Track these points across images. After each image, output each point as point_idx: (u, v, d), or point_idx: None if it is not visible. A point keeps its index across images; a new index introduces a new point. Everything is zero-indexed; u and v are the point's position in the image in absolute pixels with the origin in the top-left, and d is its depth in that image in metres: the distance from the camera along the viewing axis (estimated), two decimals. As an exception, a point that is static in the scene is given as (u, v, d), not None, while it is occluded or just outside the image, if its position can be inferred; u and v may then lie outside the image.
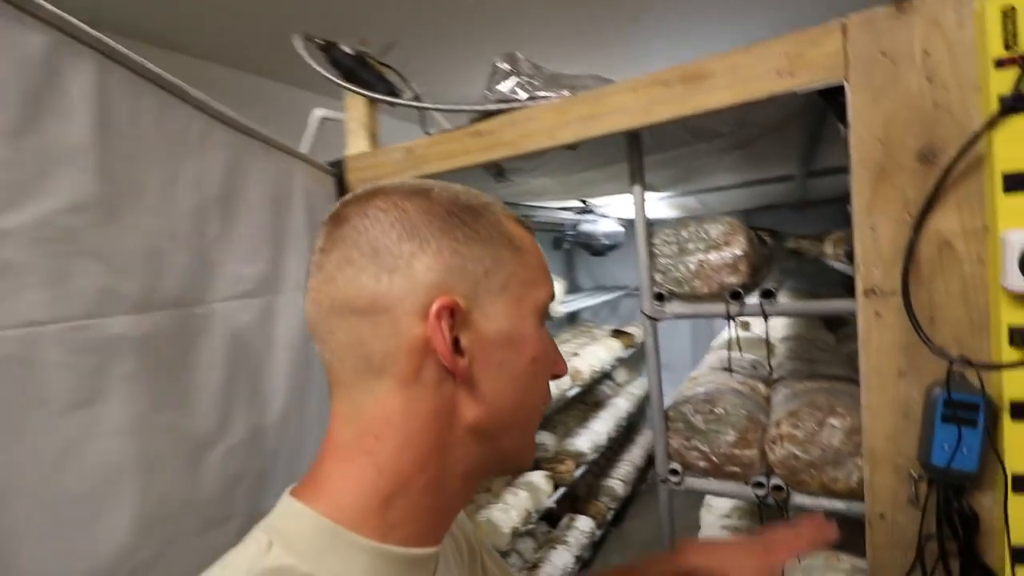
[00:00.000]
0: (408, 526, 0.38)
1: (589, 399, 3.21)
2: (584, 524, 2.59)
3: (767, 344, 1.51)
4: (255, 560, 0.34)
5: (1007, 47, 0.62)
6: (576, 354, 2.75)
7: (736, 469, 1.02)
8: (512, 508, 2.04)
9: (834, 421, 0.94)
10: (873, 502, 0.77)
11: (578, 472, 2.56)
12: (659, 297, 1.06)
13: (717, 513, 1.35)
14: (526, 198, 1.92)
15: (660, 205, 2.40)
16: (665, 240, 1.06)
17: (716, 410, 1.05)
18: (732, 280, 1.00)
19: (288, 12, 1.49)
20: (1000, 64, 0.63)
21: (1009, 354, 0.65)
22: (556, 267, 3.56)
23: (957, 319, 0.70)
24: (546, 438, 2.62)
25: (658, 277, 1.07)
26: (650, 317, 1.07)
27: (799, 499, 0.97)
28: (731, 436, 1.02)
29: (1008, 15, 0.62)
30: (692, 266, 1.02)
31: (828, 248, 1.91)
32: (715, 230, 1.01)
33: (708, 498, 1.48)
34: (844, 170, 1.84)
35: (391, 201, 0.39)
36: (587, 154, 1.18)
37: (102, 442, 0.57)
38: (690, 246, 1.04)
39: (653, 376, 1.12)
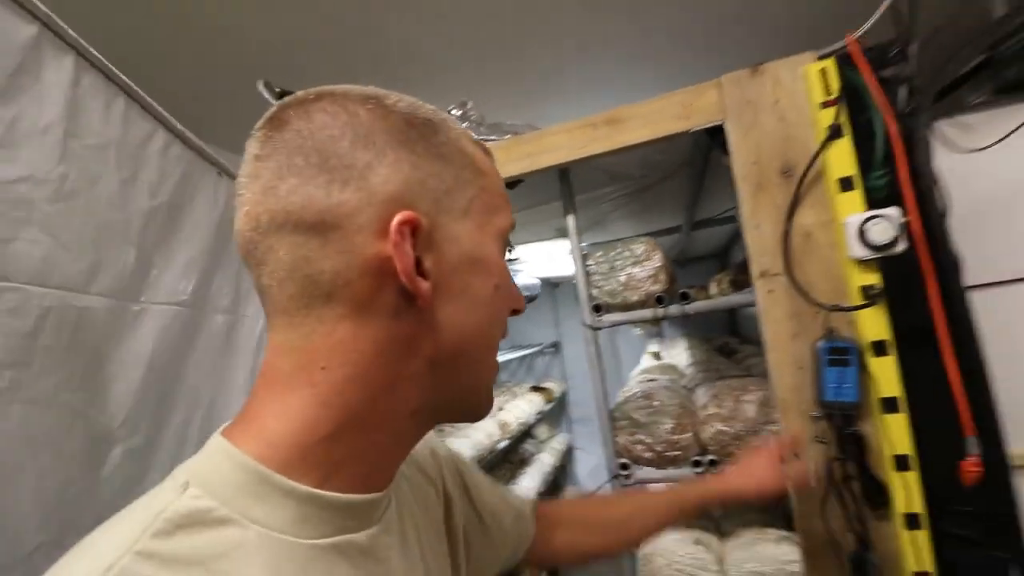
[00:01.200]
0: (351, 468, 0.34)
1: (514, 458, 3.23)
2: (522, 584, 2.53)
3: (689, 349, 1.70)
4: (168, 503, 0.30)
5: (827, 94, 0.91)
6: (501, 408, 2.81)
7: (676, 453, 1.15)
8: (453, 566, 1.97)
9: (747, 397, 1.12)
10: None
11: (513, 528, 2.53)
12: (596, 308, 1.22)
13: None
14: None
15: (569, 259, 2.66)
16: (598, 260, 1.25)
17: (654, 403, 1.20)
18: (655, 288, 1.19)
19: (230, 77, 1.58)
20: (824, 105, 0.91)
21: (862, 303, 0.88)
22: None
23: (824, 289, 0.92)
24: (478, 497, 2.58)
25: (594, 292, 1.24)
26: (591, 327, 1.22)
27: (730, 470, 1.12)
28: (669, 424, 1.17)
29: (823, 73, 0.91)
30: (622, 279, 1.21)
31: (713, 289, 2.25)
32: (638, 248, 1.22)
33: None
34: (722, 220, 2.20)
35: (340, 104, 0.34)
36: (524, 193, 1.36)
37: (20, 408, 0.58)
38: (618, 263, 1.23)
39: (598, 384, 1.25)
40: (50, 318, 0.62)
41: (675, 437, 1.16)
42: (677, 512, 0.74)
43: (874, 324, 0.87)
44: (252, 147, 0.35)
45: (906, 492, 0.85)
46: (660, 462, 1.17)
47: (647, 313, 1.19)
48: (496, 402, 3.00)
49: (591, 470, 3.51)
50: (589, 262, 1.26)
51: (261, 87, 1.15)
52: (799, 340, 0.94)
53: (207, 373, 0.98)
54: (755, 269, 0.98)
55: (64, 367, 0.64)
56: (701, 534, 1.32)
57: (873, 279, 0.88)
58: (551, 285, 3.72)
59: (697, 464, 1.13)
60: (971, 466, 0.81)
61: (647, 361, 2.34)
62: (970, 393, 0.83)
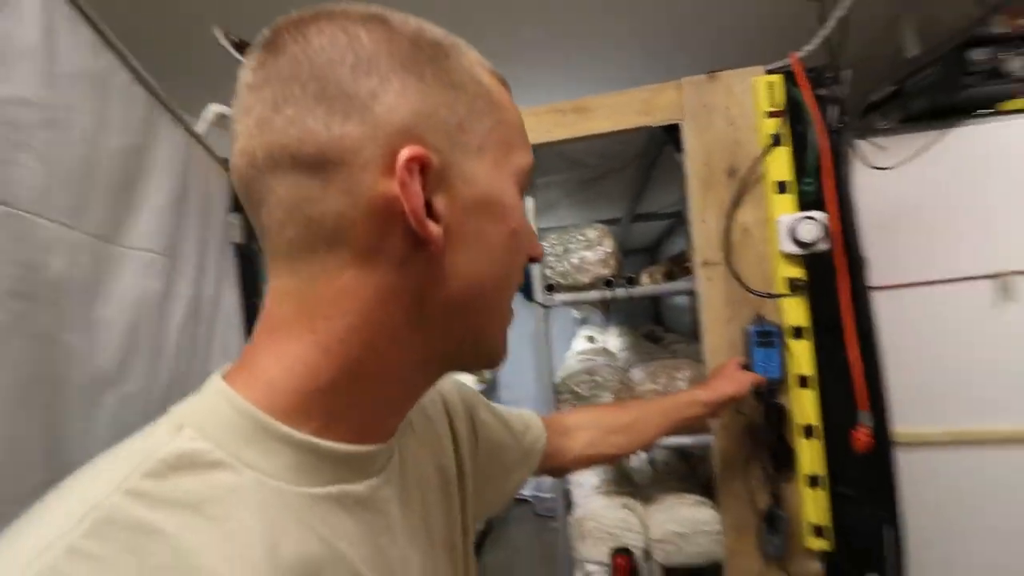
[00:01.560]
0: (352, 418, 0.33)
1: (444, 435, 3.27)
2: (446, 557, 2.58)
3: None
4: (162, 443, 0.28)
5: (772, 105, 1.01)
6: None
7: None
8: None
9: (679, 375, 1.23)
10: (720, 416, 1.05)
11: (441, 502, 2.57)
12: (550, 288, 1.28)
13: (588, 487, 1.56)
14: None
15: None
16: (553, 243, 1.30)
17: (596, 379, 1.28)
18: (605, 272, 1.27)
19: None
20: (769, 115, 1.02)
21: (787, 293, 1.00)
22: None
23: (756, 279, 1.04)
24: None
25: (547, 272, 1.29)
26: (542, 305, 1.28)
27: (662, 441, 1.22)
28: (608, 398, 1.26)
29: (770, 86, 1.01)
30: (575, 261, 1.27)
31: (645, 279, 2.40)
32: (591, 233, 1.29)
33: (575, 478, 1.69)
34: (660, 216, 2.33)
35: (340, 25, 0.31)
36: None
37: (29, 342, 0.55)
38: (572, 246, 1.29)
39: (544, 359, 1.31)
40: (50, 251, 0.59)
41: (614, 410, 1.25)
42: (677, 418, 0.84)
43: (796, 312, 1.00)
44: (244, 75, 0.32)
45: (810, 456, 0.98)
46: (599, 433, 1.26)
47: (596, 294, 1.27)
48: (429, 380, 3.02)
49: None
50: (544, 243, 1.31)
51: (217, 34, 1.09)
52: (733, 324, 1.05)
53: (186, 329, 0.94)
54: (698, 258, 1.08)
55: (63, 303, 0.61)
56: (628, 500, 1.43)
57: (798, 272, 1.00)
58: (489, 268, 3.76)
59: (633, 435, 1.22)
60: (862, 436, 0.96)
61: (581, 344, 2.46)
62: (866, 375, 0.98)
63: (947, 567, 1.14)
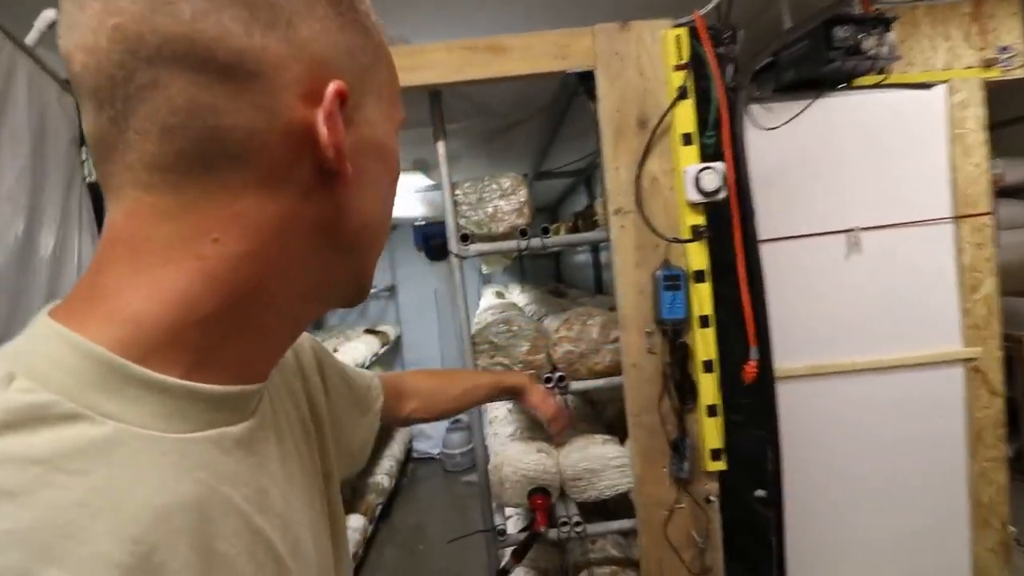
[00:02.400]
0: (229, 353, 0.31)
1: (346, 401, 3.16)
2: (355, 522, 2.54)
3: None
4: None
5: (679, 58, 1.05)
6: (336, 350, 2.71)
7: (531, 372, 1.27)
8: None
9: (591, 321, 1.28)
10: (627, 355, 1.12)
11: (347, 468, 2.51)
12: (464, 238, 1.25)
13: (503, 436, 1.60)
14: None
15: (414, 198, 2.63)
16: (466, 191, 1.27)
17: (512, 328, 1.29)
18: (520, 221, 1.27)
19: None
20: (677, 68, 1.06)
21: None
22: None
23: (663, 226, 1.10)
24: (309, 441, 2.48)
25: (462, 222, 1.26)
26: (457, 256, 1.25)
27: (575, 385, 1.28)
28: (525, 346, 1.28)
29: (678, 39, 1.05)
30: (489, 210, 1.25)
31: (556, 235, 2.45)
32: (505, 182, 1.27)
33: (495, 428, 1.73)
34: (563, 174, 2.37)
35: None
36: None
37: None
38: (486, 195, 1.27)
39: (461, 311, 1.30)
40: None
41: (530, 357, 1.27)
42: (493, 396, 0.92)
43: (698, 257, 1.07)
44: None
45: (709, 389, 1.08)
46: (515, 382, 1.28)
47: (512, 244, 1.26)
48: (330, 344, 2.87)
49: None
50: (457, 192, 1.27)
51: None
52: (641, 269, 1.10)
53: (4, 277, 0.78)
54: (611, 206, 1.11)
55: None
56: (542, 444, 1.49)
57: (701, 220, 1.07)
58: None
59: (548, 381, 1.26)
60: (751, 368, 1.07)
61: (490, 300, 2.47)
62: (755, 315, 1.09)
63: (814, 479, 1.35)
